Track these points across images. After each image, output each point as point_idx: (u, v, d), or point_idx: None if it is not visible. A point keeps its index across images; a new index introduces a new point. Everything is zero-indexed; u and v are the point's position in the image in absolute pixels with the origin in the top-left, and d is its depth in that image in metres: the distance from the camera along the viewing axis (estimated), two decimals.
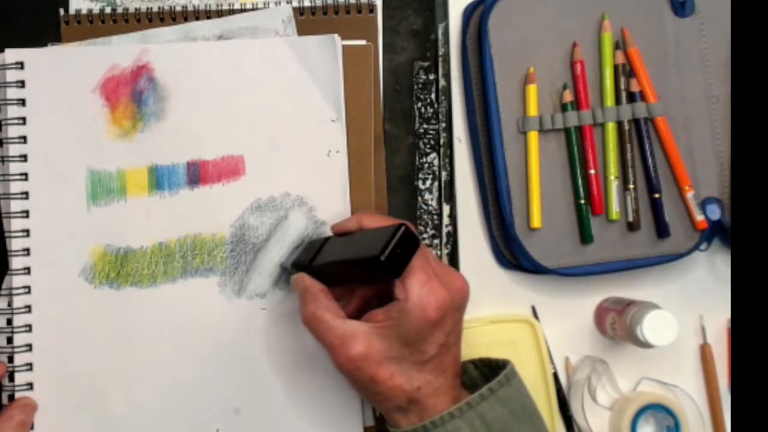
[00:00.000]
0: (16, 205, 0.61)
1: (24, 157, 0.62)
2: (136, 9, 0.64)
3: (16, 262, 0.61)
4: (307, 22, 0.64)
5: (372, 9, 0.65)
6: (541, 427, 0.53)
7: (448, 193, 0.66)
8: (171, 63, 0.63)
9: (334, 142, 0.63)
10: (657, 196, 0.63)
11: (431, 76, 0.66)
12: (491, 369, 0.54)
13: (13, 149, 0.62)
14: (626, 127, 0.63)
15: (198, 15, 0.64)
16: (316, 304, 0.53)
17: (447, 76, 0.66)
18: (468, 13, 0.65)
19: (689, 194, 0.63)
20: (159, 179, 0.62)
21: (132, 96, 0.62)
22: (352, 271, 0.53)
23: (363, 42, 0.64)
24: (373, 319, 0.51)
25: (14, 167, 0.61)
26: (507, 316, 0.64)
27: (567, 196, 0.63)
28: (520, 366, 0.62)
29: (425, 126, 0.66)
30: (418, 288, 0.50)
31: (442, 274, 0.52)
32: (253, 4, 0.65)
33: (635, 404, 0.61)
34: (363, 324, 0.51)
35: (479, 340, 0.62)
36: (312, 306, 0.53)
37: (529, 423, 0.52)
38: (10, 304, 0.61)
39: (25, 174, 0.61)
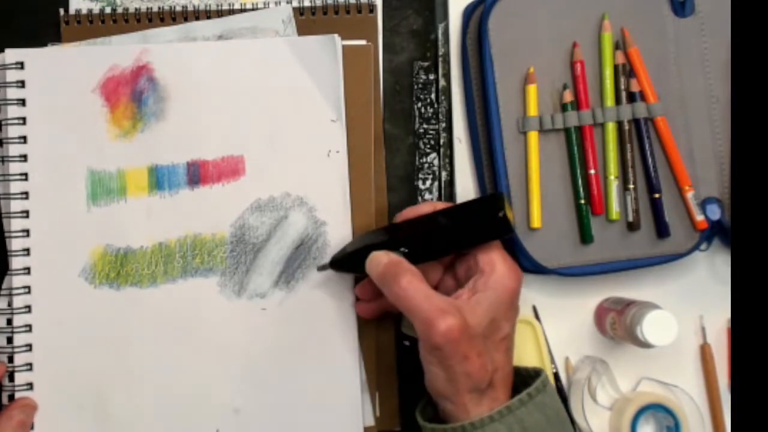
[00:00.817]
0: (16, 205, 0.61)
1: (24, 157, 0.62)
2: (136, 9, 0.64)
3: (16, 262, 0.61)
4: (307, 22, 0.64)
5: (372, 9, 0.65)
6: None
7: (448, 193, 0.66)
8: (171, 63, 0.63)
9: (334, 142, 0.63)
10: (657, 196, 0.63)
11: (431, 76, 0.66)
12: (522, 376, 0.53)
13: (13, 149, 0.62)
14: (626, 127, 0.63)
15: (198, 15, 0.64)
16: (412, 274, 0.51)
17: (447, 76, 0.66)
18: (468, 13, 0.65)
19: (689, 194, 0.63)
20: (159, 179, 0.62)
21: (132, 96, 0.62)
22: (452, 240, 0.54)
23: (363, 42, 0.64)
24: (458, 297, 0.51)
25: (14, 167, 0.61)
26: None
27: (567, 196, 0.63)
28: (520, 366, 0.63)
29: (425, 126, 0.66)
30: (502, 261, 0.52)
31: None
32: (253, 4, 0.65)
33: (635, 404, 0.61)
34: (453, 299, 0.51)
35: None
36: (408, 275, 0.51)
37: (563, 430, 0.52)
38: (10, 304, 0.61)
39: (25, 174, 0.61)
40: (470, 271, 0.53)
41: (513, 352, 0.53)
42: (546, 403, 0.51)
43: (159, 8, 0.64)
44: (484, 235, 0.53)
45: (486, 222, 0.53)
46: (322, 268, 0.60)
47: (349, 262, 0.58)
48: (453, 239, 0.54)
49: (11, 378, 0.60)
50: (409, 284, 0.50)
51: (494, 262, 0.52)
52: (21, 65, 0.62)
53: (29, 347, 0.61)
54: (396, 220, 0.58)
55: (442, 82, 0.66)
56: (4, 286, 0.61)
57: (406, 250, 0.54)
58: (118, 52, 0.63)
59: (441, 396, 0.51)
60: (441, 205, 0.56)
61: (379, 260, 0.53)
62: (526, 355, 0.63)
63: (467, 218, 0.54)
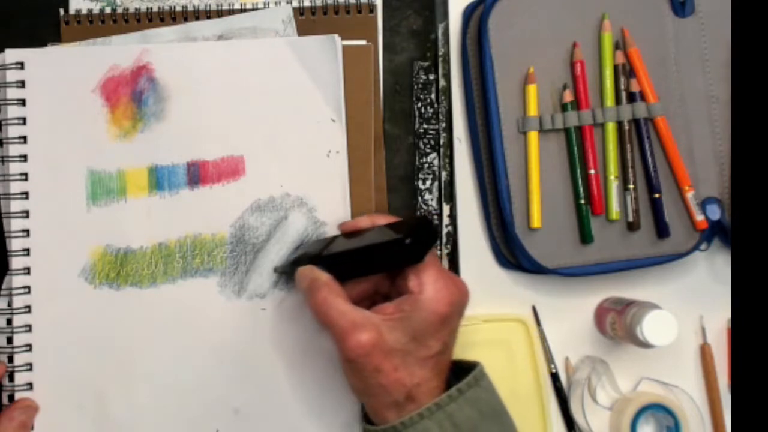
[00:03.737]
0: (16, 205, 0.61)
1: (24, 157, 0.62)
2: (136, 9, 0.64)
3: (16, 262, 0.61)
4: (307, 22, 0.64)
5: (372, 9, 0.65)
6: (510, 427, 0.52)
7: (448, 193, 0.66)
8: (171, 63, 0.63)
9: (334, 142, 0.63)
10: (657, 196, 0.63)
11: (431, 76, 0.66)
12: (461, 370, 0.53)
13: (13, 149, 0.62)
14: (626, 127, 0.63)
15: (198, 15, 0.64)
16: (328, 289, 0.52)
17: (447, 76, 0.66)
18: (468, 13, 0.65)
19: (689, 194, 0.63)
20: (159, 179, 0.62)
21: (132, 96, 0.62)
22: (367, 261, 0.53)
23: (363, 42, 0.64)
24: (382, 311, 0.52)
25: (14, 167, 0.61)
26: (500, 316, 0.64)
27: (567, 196, 0.63)
28: (513, 365, 0.63)
29: (425, 126, 0.66)
30: (433, 282, 0.51)
31: (449, 274, 0.53)
32: (253, 4, 0.65)
33: (635, 404, 0.61)
34: (373, 314, 0.51)
35: (472, 339, 0.62)
36: (324, 291, 0.52)
37: (499, 424, 0.52)
38: (10, 304, 0.61)
39: (25, 174, 0.61)
40: (402, 289, 0.53)
41: (445, 366, 0.52)
42: (479, 398, 0.51)
43: (159, 8, 0.64)
44: (391, 262, 0.52)
45: (394, 247, 0.51)
46: (275, 270, 0.62)
47: (288, 272, 0.60)
48: (364, 262, 0.54)
49: (11, 378, 0.60)
50: (323, 301, 0.52)
51: (423, 284, 0.51)
52: (21, 65, 0.62)
53: (29, 347, 0.61)
54: (340, 230, 0.59)
55: (442, 82, 0.66)
56: (4, 286, 0.61)
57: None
58: (118, 52, 0.63)
59: (365, 405, 0.53)
60: (380, 219, 0.56)
61: (304, 275, 0.55)
62: (519, 355, 0.63)
63: (380, 242, 0.53)
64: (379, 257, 0.53)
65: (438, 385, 0.51)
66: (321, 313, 0.52)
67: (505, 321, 0.64)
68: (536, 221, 0.62)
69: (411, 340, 0.50)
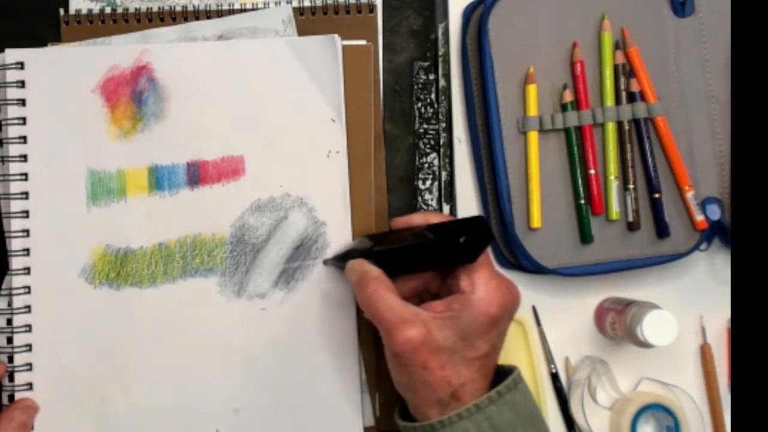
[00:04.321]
0: (16, 205, 0.61)
1: (24, 157, 0.62)
2: (136, 9, 0.64)
3: (16, 262, 0.61)
4: (307, 22, 0.64)
5: (372, 9, 0.65)
6: None
7: (448, 193, 0.66)
8: (171, 63, 0.63)
9: (334, 142, 0.63)
10: (657, 196, 0.63)
11: (431, 76, 0.66)
12: (499, 374, 0.53)
13: (13, 149, 0.62)
14: (626, 127, 0.63)
15: (198, 15, 0.64)
16: (378, 282, 0.52)
17: (447, 76, 0.66)
18: (468, 13, 0.65)
19: (689, 194, 0.63)
20: (159, 179, 0.62)
21: (132, 96, 0.62)
22: (420, 258, 0.53)
23: (363, 42, 0.64)
24: (432, 309, 0.51)
25: (14, 167, 0.61)
26: None
27: (567, 196, 0.63)
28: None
29: (425, 126, 0.66)
30: (485, 282, 0.51)
31: (501, 276, 0.53)
32: (253, 4, 0.65)
33: (635, 404, 0.61)
34: (423, 311, 0.51)
35: None
36: (374, 284, 0.52)
37: (535, 428, 0.52)
38: (10, 304, 0.61)
39: (25, 174, 0.61)
40: (453, 288, 0.53)
41: (492, 368, 0.52)
42: (517, 402, 0.51)
43: (159, 8, 0.64)
44: (444, 260, 0.52)
45: (448, 246, 0.51)
46: (325, 262, 0.62)
47: (338, 266, 0.60)
48: (416, 260, 0.54)
49: (11, 378, 0.60)
50: (373, 294, 0.51)
51: (475, 284, 0.51)
52: (21, 65, 0.62)
53: (29, 347, 0.61)
54: (391, 226, 0.58)
55: (442, 82, 0.66)
56: (4, 286, 0.61)
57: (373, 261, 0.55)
58: (118, 52, 0.63)
59: (407, 401, 0.53)
60: (434, 218, 0.56)
61: (354, 268, 0.55)
62: (515, 355, 0.63)
63: (435, 240, 0.53)
64: (432, 255, 0.52)
65: (483, 386, 0.51)
66: (370, 306, 0.51)
67: None
68: (536, 221, 0.62)
69: (459, 340, 0.50)
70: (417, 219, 0.57)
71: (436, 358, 0.50)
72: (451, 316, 0.51)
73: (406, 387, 0.52)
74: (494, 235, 0.64)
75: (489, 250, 0.53)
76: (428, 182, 0.65)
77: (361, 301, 0.53)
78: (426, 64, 0.66)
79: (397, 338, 0.49)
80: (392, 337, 0.50)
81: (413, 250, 0.53)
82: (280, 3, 0.65)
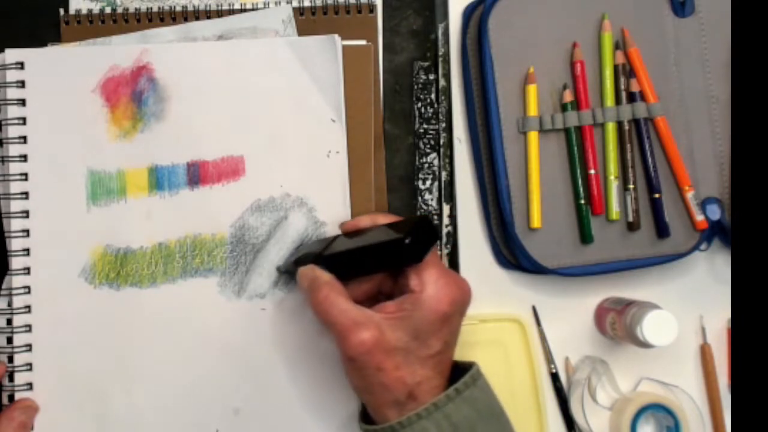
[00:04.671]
0: (16, 205, 0.61)
1: (24, 157, 0.62)
2: (136, 9, 0.64)
3: (16, 262, 0.61)
4: (307, 22, 0.64)
5: (372, 9, 0.65)
6: (507, 426, 0.52)
7: (448, 193, 0.66)
8: (171, 63, 0.63)
9: (334, 142, 0.63)
10: (657, 196, 0.63)
11: (431, 76, 0.66)
12: (458, 371, 0.53)
13: (13, 149, 0.62)
14: (626, 127, 0.63)
15: (198, 15, 0.64)
16: (329, 287, 0.52)
17: (447, 76, 0.66)
18: (468, 13, 0.65)
19: (689, 194, 0.63)
20: (159, 179, 0.62)
21: (132, 96, 0.62)
22: (368, 260, 0.53)
23: (363, 42, 0.64)
24: (384, 310, 0.51)
25: (14, 167, 0.61)
26: (497, 315, 0.64)
27: (567, 196, 0.63)
28: (508, 365, 0.63)
29: (425, 126, 0.66)
30: (434, 281, 0.51)
31: (451, 273, 0.53)
32: (253, 4, 0.65)
33: (635, 404, 0.61)
34: (374, 313, 0.51)
35: (468, 339, 0.62)
36: (325, 289, 0.52)
37: (496, 423, 0.52)
38: (10, 304, 0.61)
39: (25, 174, 0.61)
40: (404, 288, 0.53)
41: (447, 365, 0.52)
42: (476, 398, 0.51)
43: (159, 8, 0.64)
44: (392, 261, 0.52)
45: (394, 247, 0.51)
46: (277, 269, 0.62)
47: (290, 272, 0.60)
48: (365, 262, 0.54)
49: (11, 378, 0.60)
50: (325, 299, 0.52)
51: (424, 283, 0.51)
52: (21, 65, 0.62)
53: (29, 347, 0.60)
54: (341, 230, 0.59)
55: (442, 82, 0.66)
56: (4, 286, 0.61)
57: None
58: (118, 52, 0.63)
59: (365, 404, 0.53)
60: (381, 219, 0.56)
61: (305, 275, 0.55)
62: (514, 355, 0.63)
63: (380, 242, 0.53)
64: (379, 257, 0.53)
65: (439, 384, 0.51)
66: (322, 311, 0.52)
67: (501, 321, 0.64)
68: (536, 221, 0.62)
69: (412, 339, 0.50)
70: (365, 221, 0.58)
71: (391, 359, 0.50)
72: (402, 316, 0.51)
73: (363, 390, 0.52)
74: (495, 234, 0.64)
75: (436, 249, 0.53)
76: (428, 182, 0.65)
77: (313, 307, 0.53)
78: (426, 64, 0.66)
79: (351, 341, 0.50)
80: (345, 340, 0.50)
81: (360, 252, 0.54)
82: (280, 3, 0.65)
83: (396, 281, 0.54)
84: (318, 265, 0.55)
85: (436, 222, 0.65)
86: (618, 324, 0.60)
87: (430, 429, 0.49)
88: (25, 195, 0.61)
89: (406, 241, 0.50)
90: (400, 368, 0.50)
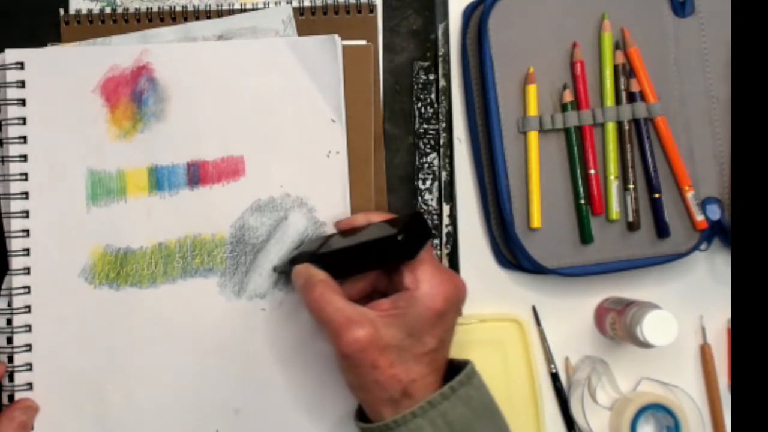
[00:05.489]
0: (16, 205, 0.61)
1: (24, 157, 0.62)
2: (136, 9, 0.64)
3: (16, 262, 0.61)
4: (307, 22, 0.64)
5: (372, 9, 0.65)
6: (502, 425, 0.53)
7: (448, 193, 0.66)
8: (171, 63, 0.63)
9: (334, 142, 0.63)
10: (657, 196, 0.63)
11: (431, 76, 0.66)
12: (453, 369, 0.53)
13: (13, 149, 0.62)
14: (626, 127, 0.63)
15: (198, 15, 0.64)
16: (324, 285, 0.52)
17: (447, 76, 0.66)
18: (468, 13, 0.65)
19: (689, 194, 0.63)
20: (159, 180, 0.62)
21: (132, 96, 0.62)
22: (362, 258, 0.53)
23: (363, 42, 0.64)
24: (378, 308, 0.52)
25: (14, 167, 0.61)
26: (495, 315, 0.64)
27: (567, 196, 0.63)
28: (507, 365, 0.63)
29: (425, 126, 0.66)
30: (429, 278, 0.51)
31: (445, 270, 0.53)
32: (253, 4, 0.65)
33: (635, 404, 0.61)
34: (369, 310, 0.51)
35: (468, 339, 0.62)
36: (320, 287, 0.52)
37: (491, 421, 0.52)
38: (10, 304, 0.61)
39: (25, 174, 0.61)
40: (399, 286, 0.53)
41: (442, 363, 0.52)
42: (471, 396, 0.51)
43: (159, 8, 0.64)
44: (385, 258, 0.52)
45: (387, 244, 0.51)
46: (274, 269, 0.62)
47: (287, 271, 0.60)
48: (359, 260, 0.53)
49: (11, 378, 0.60)
50: (320, 297, 0.52)
51: (419, 280, 0.51)
52: (21, 65, 0.62)
53: (29, 347, 0.61)
54: (336, 228, 0.59)
55: (442, 82, 0.66)
56: (4, 286, 0.61)
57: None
58: (118, 52, 0.63)
59: (361, 401, 0.53)
60: (376, 217, 0.56)
61: (300, 273, 0.55)
62: (513, 354, 0.63)
63: (374, 239, 0.53)
64: (373, 254, 0.52)
65: (434, 381, 0.51)
66: (317, 309, 0.52)
67: (501, 321, 0.64)
68: (536, 221, 0.62)
69: (407, 336, 0.50)
70: (360, 219, 0.58)
71: (385, 357, 0.50)
72: (397, 313, 0.51)
73: (358, 387, 0.52)
74: (495, 234, 0.64)
75: (430, 246, 0.53)
76: (428, 182, 0.65)
77: (307, 305, 0.53)
78: (426, 64, 0.66)
79: (345, 339, 0.50)
80: (340, 338, 0.50)
81: (354, 250, 0.54)
82: (280, 3, 0.65)
83: (391, 279, 0.54)
84: (313, 263, 0.55)
85: (435, 222, 0.65)
86: (618, 324, 0.60)
87: (425, 427, 0.49)
88: (25, 195, 0.61)
89: (399, 237, 0.50)
90: (395, 366, 0.50)
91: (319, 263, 0.55)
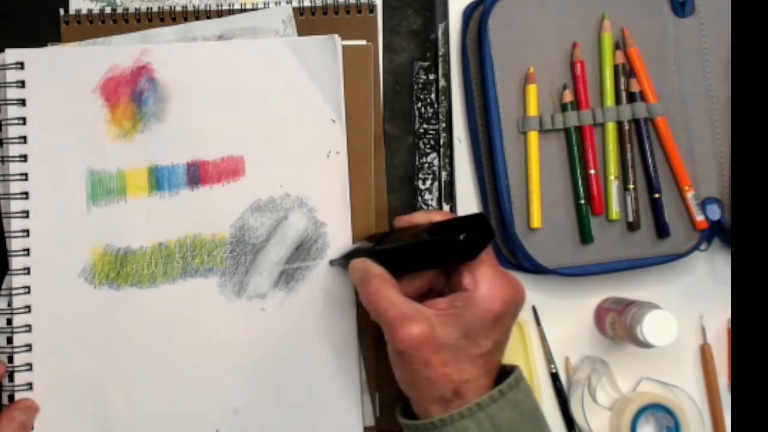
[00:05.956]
0: (16, 205, 0.61)
1: (24, 157, 0.62)
2: (136, 9, 0.64)
3: (16, 262, 0.61)
4: (307, 22, 0.64)
5: (372, 9, 0.65)
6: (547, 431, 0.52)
7: (448, 193, 0.66)
8: (171, 63, 0.63)
9: (334, 142, 0.63)
10: (657, 196, 0.63)
11: (431, 76, 0.66)
12: (500, 373, 0.53)
13: (13, 149, 0.62)
14: (626, 127, 0.63)
15: (198, 15, 0.64)
16: (380, 280, 0.52)
17: (447, 76, 0.66)
18: (468, 13, 0.65)
19: (689, 194, 0.63)
20: (159, 180, 0.62)
21: (132, 96, 0.62)
22: (421, 256, 0.53)
23: (363, 42, 0.64)
24: (434, 306, 0.51)
25: (14, 167, 0.61)
26: None
27: (567, 196, 0.63)
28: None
29: (425, 126, 0.66)
30: (488, 280, 0.51)
31: (504, 273, 0.53)
32: (253, 4, 0.65)
33: (635, 404, 0.61)
34: (425, 308, 0.51)
35: None
36: (376, 282, 0.52)
37: (537, 427, 0.51)
38: (10, 304, 0.61)
39: (25, 174, 0.61)
40: (457, 286, 0.52)
41: (495, 366, 0.52)
42: (519, 400, 0.50)
43: (159, 8, 0.64)
44: (445, 258, 0.52)
45: (448, 244, 0.51)
46: (331, 263, 0.62)
47: (343, 265, 0.60)
48: (417, 258, 0.53)
49: (11, 378, 0.60)
50: (375, 291, 0.51)
51: (478, 282, 0.51)
52: (21, 65, 0.62)
53: (29, 347, 0.61)
54: (394, 225, 0.58)
55: (442, 82, 0.66)
56: (4, 286, 0.61)
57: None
58: (118, 52, 0.63)
59: (410, 398, 0.53)
60: (436, 216, 0.56)
61: (357, 267, 0.55)
62: (512, 354, 0.63)
63: (435, 238, 0.52)
64: (433, 253, 0.52)
65: (486, 384, 0.51)
66: (372, 303, 0.51)
67: None
68: (536, 221, 0.62)
69: (462, 337, 0.50)
70: (419, 217, 0.56)
71: (439, 355, 0.49)
72: (454, 313, 0.50)
73: (409, 384, 0.52)
74: (495, 234, 0.64)
75: (491, 248, 0.53)
76: (428, 182, 0.65)
77: (363, 299, 0.52)
78: (426, 64, 0.66)
79: (400, 335, 0.49)
80: (395, 333, 0.49)
81: (414, 248, 0.53)
82: (280, 3, 0.65)
83: (448, 279, 0.54)
84: (371, 259, 0.54)
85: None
86: (618, 324, 0.60)
87: (472, 428, 0.49)
88: (25, 195, 0.61)
89: (461, 237, 0.50)
90: (448, 365, 0.50)
91: (376, 259, 0.54)
